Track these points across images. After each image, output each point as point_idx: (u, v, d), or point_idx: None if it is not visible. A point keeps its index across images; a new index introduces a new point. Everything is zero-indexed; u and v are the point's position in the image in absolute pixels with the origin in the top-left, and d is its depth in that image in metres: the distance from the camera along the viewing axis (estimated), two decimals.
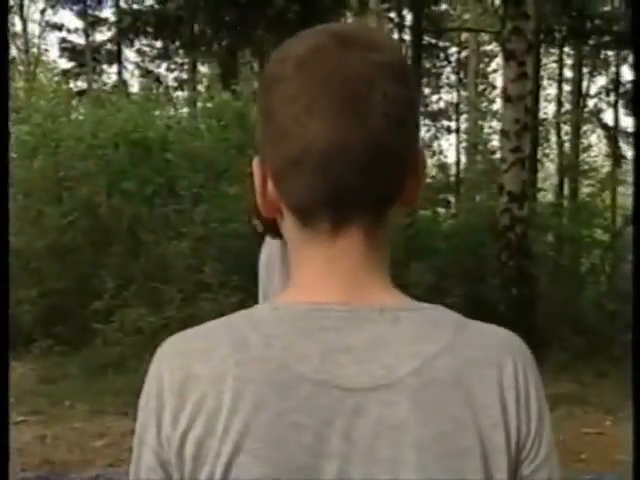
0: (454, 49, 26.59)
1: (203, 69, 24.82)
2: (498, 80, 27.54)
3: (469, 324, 0.76)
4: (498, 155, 21.69)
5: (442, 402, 0.70)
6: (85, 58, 22.28)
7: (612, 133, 21.08)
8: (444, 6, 22.54)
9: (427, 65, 22.56)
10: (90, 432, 5.45)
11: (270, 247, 5.23)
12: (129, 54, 24.44)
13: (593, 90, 23.49)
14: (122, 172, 10.73)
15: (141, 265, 9.21)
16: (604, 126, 22.61)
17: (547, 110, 24.42)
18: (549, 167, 25.06)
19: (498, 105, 26.35)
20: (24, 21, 22.37)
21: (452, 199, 16.63)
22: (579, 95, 21.35)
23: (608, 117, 22.83)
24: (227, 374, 0.69)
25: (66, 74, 22.86)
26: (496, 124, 26.33)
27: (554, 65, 23.30)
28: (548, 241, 11.00)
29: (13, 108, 17.83)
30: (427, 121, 27.05)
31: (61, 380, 7.25)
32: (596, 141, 25.26)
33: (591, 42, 15.53)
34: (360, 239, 0.75)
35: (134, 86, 23.20)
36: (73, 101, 16.01)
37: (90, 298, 8.63)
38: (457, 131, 27.82)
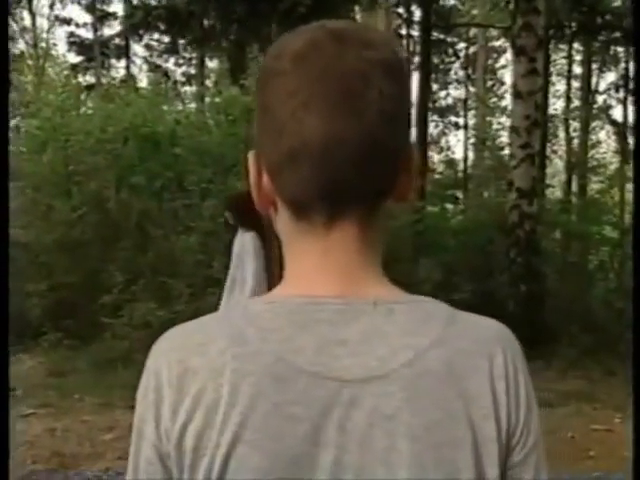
0: (462, 45, 26.49)
1: (211, 64, 24.84)
2: (507, 76, 27.49)
3: (460, 316, 0.77)
4: (507, 151, 21.68)
5: (435, 393, 0.71)
6: (93, 52, 22.31)
7: (621, 129, 20.97)
8: (452, 1, 22.49)
9: (435, 61, 22.48)
10: (99, 425, 5.47)
11: (242, 240, 5.23)
12: (137, 49, 24.48)
13: (602, 86, 23.41)
14: (131, 167, 10.75)
15: (150, 259, 9.23)
16: (613, 122, 22.52)
17: (556, 106, 24.32)
18: (557, 163, 24.97)
19: (507, 101, 26.28)
20: (33, 15, 22.36)
21: (460, 195, 16.58)
22: (588, 91, 21.25)
23: (617, 113, 22.75)
24: (225, 367, 0.70)
25: (75, 68, 22.90)
26: (505, 120, 26.25)
27: (563, 61, 23.20)
28: (557, 238, 10.97)
29: (22, 102, 17.87)
30: (435, 117, 26.98)
31: (70, 373, 7.28)
32: (605, 137, 25.18)
33: (601, 38, 15.43)
34: (354, 233, 0.76)
35: (142, 81, 23.22)
36: (82, 95, 16.02)
37: (99, 292, 8.66)
38: (465, 127, 27.74)
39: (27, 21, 22.23)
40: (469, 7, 24.93)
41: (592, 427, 5.60)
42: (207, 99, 17.19)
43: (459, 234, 10.44)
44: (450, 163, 26.86)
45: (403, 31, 22.10)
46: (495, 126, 27.67)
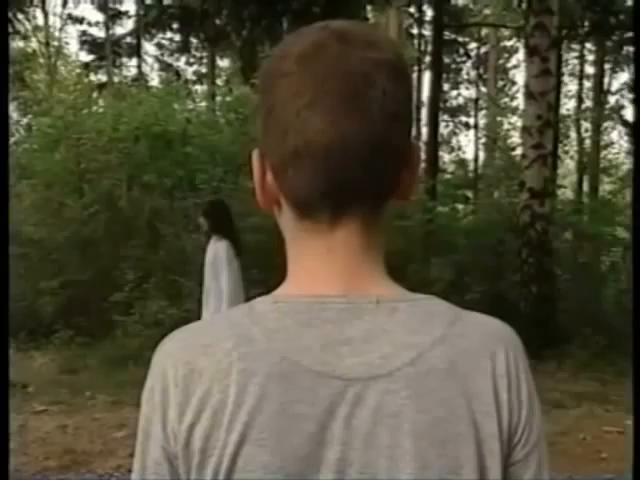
0: (474, 44, 26.43)
1: (222, 63, 24.88)
2: (518, 76, 27.40)
3: (463, 315, 0.78)
4: (518, 152, 21.60)
5: (438, 391, 0.72)
6: (105, 51, 22.39)
7: (633, 130, 20.83)
8: (464, 1, 22.43)
9: (446, 60, 22.42)
10: (111, 423, 5.48)
11: (216, 246, 5.21)
12: (149, 47, 24.55)
13: (615, 86, 23.29)
14: (142, 165, 10.78)
15: (161, 258, 9.26)
16: (625, 123, 22.40)
17: (567, 106, 24.23)
18: (569, 164, 24.88)
19: (518, 101, 26.23)
20: (45, 14, 22.43)
21: (470, 195, 16.53)
22: (600, 91, 21.15)
23: (629, 114, 22.63)
24: (231, 368, 0.71)
25: (86, 67, 23.01)
26: (515, 120, 26.18)
27: (575, 61, 23.12)
28: (568, 239, 10.93)
29: (34, 100, 17.97)
30: (446, 117, 26.92)
31: (82, 371, 7.31)
32: (617, 138, 25.04)
33: (614, 38, 15.34)
34: (358, 231, 0.77)
35: (154, 80, 23.31)
36: (93, 94, 16.10)
37: (110, 290, 8.69)
38: (476, 127, 27.68)
39: (40, 20, 22.32)
40: (481, 7, 24.85)
41: (604, 429, 5.57)
42: (218, 98, 17.25)
43: (470, 234, 10.41)
44: (461, 163, 26.79)
45: (414, 30, 22.08)
46: (506, 126, 27.60)
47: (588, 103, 22.79)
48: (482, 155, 26.85)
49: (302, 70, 0.73)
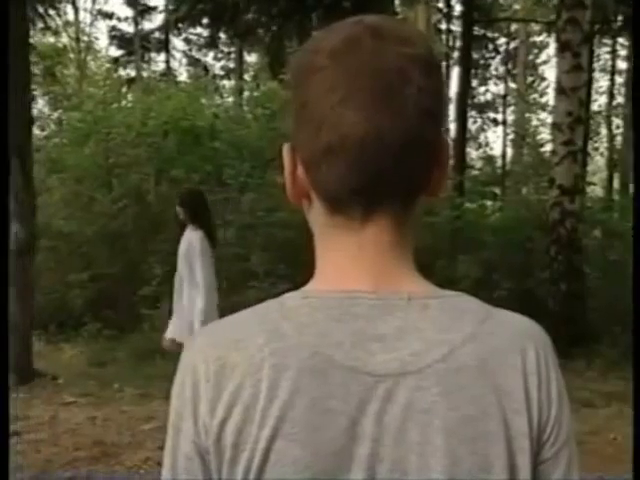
0: (503, 40, 26.19)
1: (250, 58, 24.95)
2: (547, 72, 27.11)
3: (493, 312, 0.78)
4: (546, 148, 21.39)
5: (469, 388, 0.72)
6: (134, 46, 22.56)
7: (634, 129, 20.49)
8: None
9: (475, 56, 22.24)
10: (139, 415, 5.53)
11: (190, 237, 5.18)
12: (177, 43, 24.69)
13: None
14: (170, 160, 10.85)
15: None
16: None
17: (598, 102, 23.91)
18: (599, 161, 24.58)
19: (547, 97, 25.95)
20: (76, 10, 22.69)
21: (498, 192, 16.41)
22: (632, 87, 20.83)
23: None
24: (263, 363, 0.71)
25: (116, 62, 23.22)
26: (545, 116, 25.92)
27: (607, 56, 22.81)
28: (598, 236, 10.80)
29: (65, 95, 18.15)
30: (473, 113, 26.72)
31: (110, 363, 7.38)
32: None
33: None
34: (389, 227, 0.77)
35: (182, 74, 23.44)
36: (122, 89, 16.25)
37: (138, 284, 8.76)
38: (504, 123, 27.46)
39: (70, 15, 22.55)
40: (511, 1, 24.61)
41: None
42: (246, 93, 17.30)
43: (497, 231, 10.33)
44: (488, 159, 26.60)
45: (443, 26, 21.94)
46: (535, 122, 27.34)
47: (620, 99, 22.47)
48: (510, 151, 26.63)
49: (336, 65, 0.72)
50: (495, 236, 10.18)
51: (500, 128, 27.75)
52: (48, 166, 11.05)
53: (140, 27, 23.35)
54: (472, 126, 26.48)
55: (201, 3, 7.22)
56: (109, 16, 23.93)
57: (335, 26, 0.77)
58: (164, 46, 23.74)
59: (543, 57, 27.35)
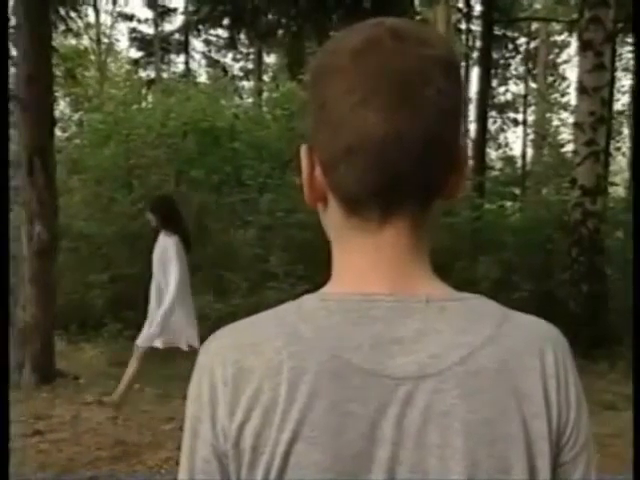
0: (523, 39, 26.02)
1: (269, 59, 24.99)
2: (568, 71, 26.89)
3: (511, 315, 0.78)
4: (567, 148, 21.21)
5: (488, 390, 0.72)
6: (154, 48, 22.69)
7: (634, 130, 20.23)
8: None
9: (495, 56, 22.12)
10: (159, 415, 5.55)
11: (164, 242, 5.16)
12: (196, 44, 24.80)
13: None
14: (190, 161, 10.90)
15: (208, 253, 9.33)
16: None
17: (621, 102, 23.65)
18: (621, 161, 24.33)
19: (568, 97, 25.74)
20: (97, 12, 22.85)
21: (518, 193, 16.29)
22: None
23: None
24: (282, 366, 0.71)
25: (136, 63, 23.37)
26: (566, 116, 25.71)
27: (629, 55, 22.56)
28: (620, 237, 10.69)
29: (86, 97, 18.30)
30: (494, 113, 26.58)
31: None
32: None
33: None
34: (407, 229, 0.77)
35: (201, 76, 23.55)
36: (143, 90, 16.31)
37: None
38: (524, 123, 27.28)
39: (91, 17, 22.72)
40: (531, 0, 24.44)
41: None
42: (265, 94, 17.33)
43: (518, 232, 10.27)
44: (508, 160, 26.45)
45: (463, 26, 21.84)
46: (555, 122, 27.14)
47: None
48: (530, 152, 26.46)
49: (356, 66, 0.72)
50: (515, 237, 10.11)
51: (520, 128, 27.58)
52: (69, 167, 11.15)
53: (160, 29, 23.49)
54: (492, 126, 26.35)
55: (221, 4, 7.25)
56: (129, 18, 24.12)
57: (355, 27, 0.77)
58: (184, 47, 23.86)
59: (564, 56, 27.14)
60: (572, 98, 23.51)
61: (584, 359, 6.43)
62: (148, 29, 24.01)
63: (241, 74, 25.35)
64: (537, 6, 24.42)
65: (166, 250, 5.17)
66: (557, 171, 19.02)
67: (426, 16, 16.11)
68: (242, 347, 0.74)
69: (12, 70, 8.58)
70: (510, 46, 25.06)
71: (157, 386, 6.41)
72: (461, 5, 20.26)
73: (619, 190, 16.29)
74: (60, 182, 8.64)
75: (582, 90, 8.46)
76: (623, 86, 23.81)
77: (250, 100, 19.03)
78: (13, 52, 8.34)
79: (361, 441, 0.70)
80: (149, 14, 24.01)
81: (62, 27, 14.84)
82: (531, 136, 26.78)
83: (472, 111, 18.24)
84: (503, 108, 27.58)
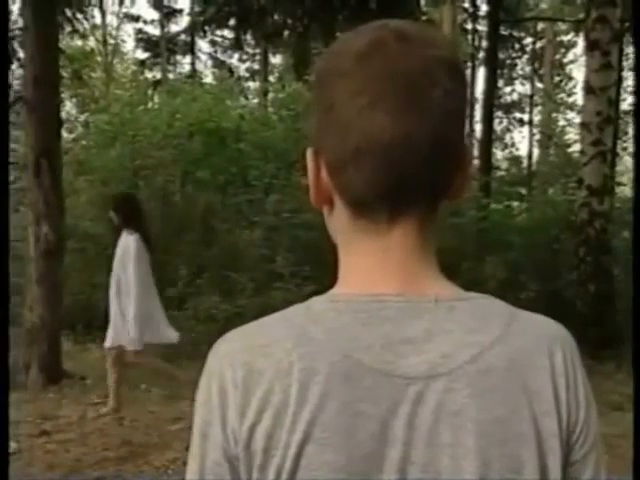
0: (529, 39, 25.97)
1: (274, 60, 25.01)
2: (575, 71, 26.81)
3: (519, 314, 0.78)
4: (573, 148, 21.15)
5: (499, 389, 0.72)
6: (160, 49, 22.73)
7: (634, 130, 20.12)
8: None
9: (501, 56, 22.07)
10: (166, 416, 5.56)
11: (126, 242, 5.11)
12: (202, 45, 24.84)
13: None
14: (196, 161, 10.91)
15: (214, 253, 9.35)
16: None
17: (628, 102, 23.57)
18: (628, 161, 24.25)
19: (575, 97, 25.66)
20: (103, 13, 22.91)
21: (524, 192, 16.25)
22: None
23: None
24: (292, 368, 0.71)
25: (142, 64, 23.41)
26: (572, 116, 25.64)
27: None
28: (627, 237, 10.65)
29: (92, 98, 18.35)
30: (500, 113, 26.53)
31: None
32: None
33: None
34: (414, 230, 0.77)
35: (207, 76, 23.57)
36: (149, 91, 16.36)
37: (164, 285, 8.79)
38: (530, 123, 27.22)
39: (98, 19, 22.77)
40: (538, 0, 24.38)
41: None
42: (270, 94, 17.35)
43: (524, 232, 10.24)
44: (514, 160, 26.40)
45: (469, 26, 21.81)
46: (562, 122, 27.07)
47: None
48: (536, 152, 26.39)
49: (362, 68, 0.73)
50: (522, 237, 10.09)
51: (526, 128, 27.54)
52: (75, 168, 11.17)
53: (166, 30, 23.54)
54: (498, 126, 26.32)
55: (227, 5, 7.27)
56: (135, 19, 24.18)
57: (359, 30, 0.77)
58: (190, 48, 23.91)
59: (570, 56, 27.08)
60: (579, 98, 23.44)
61: (591, 359, 6.41)
62: (154, 30, 24.10)
63: (247, 75, 25.40)
64: (543, 6, 24.36)
65: (127, 249, 5.11)
66: (563, 171, 18.98)
67: (432, 16, 16.09)
68: (251, 349, 0.74)
69: (19, 71, 8.62)
70: (516, 46, 25.01)
71: (164, 387, 6.41)
72: (467, 5, 20.25)
73: (626, 190, 16.23)
74: (66, 183, 8.65)
75: (589, 90, 8.43)
76: (630, 86, 23.74)
77: (256, 101, 19.07)
78: (20, 54, 8.37)
79: (372, 441, 0.70)
80: (155, 15, 24.09)
81: (68, 28, 14.85)
82: (537, 136, 26.73)
83: (478, 111, 18.22)
84: (509, 108, 27.54)
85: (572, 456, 0.76)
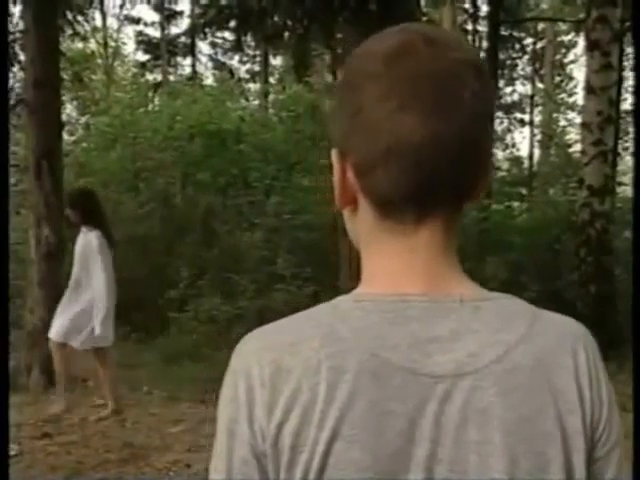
0: (530, 40, 25.96)
1: (275, 61, 25.01)
2: (576, 71, 26.80)
3: (541, 314, 0.80)
4: (574, 148, 21.13)
5: (524, 388, 0.73)
6: (161, 51, 22.74)
7: (635, 131, 20.10)
8: None
9: (501, 56, 22.07)
10: (167, 418, 5.55)
11: (86, 239, 4.95)
12: (203, 47, 24.84)
13: None
14: (197, 163, 10.93)
15: (215, 255, 9.35)
16: None
17: (629, 101, 23.57)
18: (629, 161, 24.23)
19: (575, 97, 25.66)
20: (104, 16, 22.89)
21: (525, 193, 16.24)
22: None
23: None
24: (320, 366, 0.72)
25: (143, 67, 23.43)
26: (573, 116, 25.64)
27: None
28: (628, 237, 10.64)
29: (93, 100, 18.35)
30: (500, 113, 26.52)
31: (138, 366, 7.42)
32: None
33: None
34: (440, 232, 0.78)
35: (208, 78, 23.58)
36: (149, 93, 16.37)
37: (165, 287, 8.81)
38: (531, 124, 27.21)
39: (98, 21, 22.76)
40: (538, 0, 24.37)
41: None
42: (271, 96, 17.36)
43: (525, 232, 10.25)
44: (515, 160, 26.37)
45: (469, 26, 21.81)
46: (563, 123, 27.05)
47: None
48: (537, 152, 26.38)
49: (391, 71, 0.74)
50: (523, 237, 10.09)
51: (527, 129, 27.52)
52: (76, 170, 11.18)
53: (166, 32, 23.54)
54: (499, 127, 26.30)
55: (227, 7, 7.29)
56: (136, 21, 24.17)
57: (385, 34, 0.78)
58: (190, 50, 23.91)
59: (571, 56, 27.06)
60: (579, 98, 23.43)
61: None
62: (155, 32, 24.09)
63: (247, 76, 25.38)
64: (544, 6, 24.34)
65: (88, 246, 4.94)
66: (564, 171, 18.95)
67: (432, 17, 16.09)
68: (278, 348, 0.75)
69: (20, 74, 8.62)
70: (517, 46, 24.98)
71: (165, 389, 6.41)
72: (467, 6, 20.25)
73: (627, 190, 16.21)
74: (67, 185, 8.66)
75: (589, 90, 8.42)
76: (631, 86, 23.72)
77: (256, 102, 19.10)
78: (21, 56, 8.37)
79: (399, 440, 0.71)
80: (156, 17, 24.08)
81: (69, 31, 14.85)
82: (538, 136, 26.70)
83: None
84: (510, 108, 27.50)
85: (595, 453, 0.77)
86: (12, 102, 7.87)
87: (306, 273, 8.30)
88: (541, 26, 24.81)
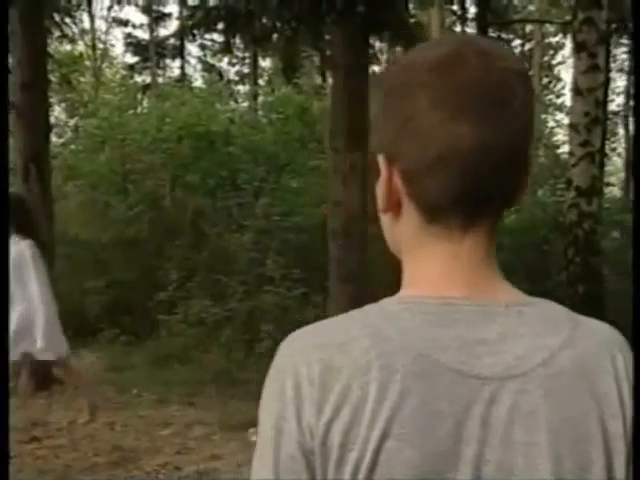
0: (518, 41, 26.08)
1: (264, 63, 25.00)
2: (563, 72, 26.95)
3: (580, 319, 0.81)
4: (562, 149, 21.24)
5: (569, 391, 0.75)
6: (149, 53, 22.68)
7: (635, 132, 20.27)
8: None
9: None
10: (156, 421, 5.54)
11: (19, 247, 4.62)
12: (191, 48, 24.79)
13: None
14: (185, 165, 10.90)
15: (204, 257, 9.33)
16: None
17: (616, 102, 23.71)
18: (617, 162, 24.38)
19: (563, 98, 25.81)
20: (92, 18, 22.82)
21: None
22: None
23: None
24: (370, 366, 0.73)
25: (131, 69, 23.35)
26: (561, 117, 25.76)
27: (624, 56, 22.62)
28: (616, 237, 10.71)
29: (81, 102, 18.29)
30: None
31: (127, 369, 7.40)
32: None
33: None
34: (484, 238, 0.80)
35: (197, 80, 23.54)
36: (138, 95, 16.33)
37: (155, 289, 8.79)
38: None
39: (86, 23, 22.68)
40: (525, 2, 24.49)
41: None
42: (260, 98, 17.35)
43: (513, 233, 10.28)
44: None
45: (457, 28, 21.87)
46: (551, 124, 27.18)
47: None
48: None
49: (442, 80, 0.75)
50: (511, 238, 10.11)
51: None
52: (65, 173, 11.14)
53: (155, 34, 23.47)
54: None
55: (216, 9, 7.27)
56: (124, 23, 24.08)
57: (431, 44, 0.83)
58: (179, 52, 23.85)
59: (559, 58, 27.21)
60: (567, 99, 23.59)
61: None
62: (143, 34, 24.00)
63: (236, 78, 25.34)
64: (531, 8, 24.46)
65: (21, 256, 4.65)
66: (552, 172, 19.03)
67: (420, 19, 16.13)
68: (328, 346, 0.76)
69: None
70: (505, 48, 25.07)
71: (154, 391, 6.40)
72: (455, 8, 20.30)
73: (615, 191, 16.34)
74: (56, 188, 8.63)
75: (577, 91, 8.45)
76: (618, 87, 23.88)
77: (245, 104, 19.05)
78: (8, 59, 8.33)
79: (448, 439, 0.72)
80: (144, 19, 24.03)
81: (57, 33, 14.82)
82: None
83: None
84: None
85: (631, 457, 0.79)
86: None
87: (295, 275, 8.29)
88: (529, 28, 24.94)
